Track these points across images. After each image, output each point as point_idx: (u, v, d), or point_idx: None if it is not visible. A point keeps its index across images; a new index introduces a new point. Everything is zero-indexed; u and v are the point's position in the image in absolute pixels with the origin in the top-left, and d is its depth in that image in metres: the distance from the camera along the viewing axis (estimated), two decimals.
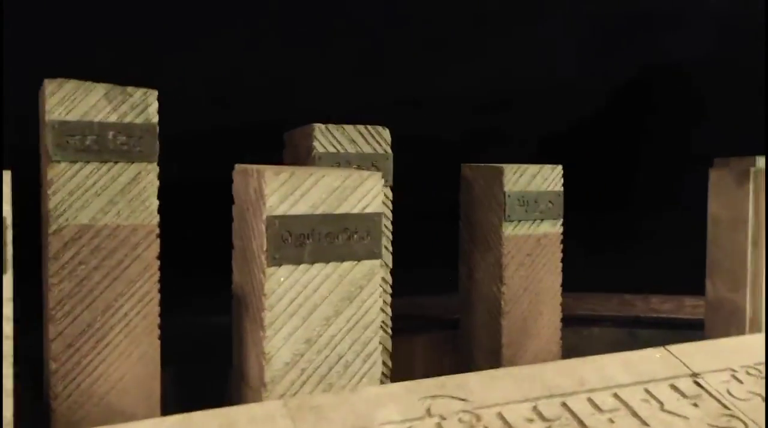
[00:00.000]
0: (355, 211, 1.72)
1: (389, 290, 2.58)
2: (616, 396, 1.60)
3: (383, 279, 2.56)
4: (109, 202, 2.05)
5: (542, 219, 2.83)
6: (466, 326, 3.06)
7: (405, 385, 1.49)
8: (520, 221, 2.78)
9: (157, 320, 2.12)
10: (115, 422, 2.11)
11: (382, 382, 2.63)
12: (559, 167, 2.86)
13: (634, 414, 1.55)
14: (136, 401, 2.10)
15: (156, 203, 2.11)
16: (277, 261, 1.64)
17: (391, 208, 2.58)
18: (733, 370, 1.80)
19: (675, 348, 1.85)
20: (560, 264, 2.91)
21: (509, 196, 2.74)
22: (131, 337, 2.10)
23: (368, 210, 1.74)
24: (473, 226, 2.95)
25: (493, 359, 2.88)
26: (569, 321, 3.41)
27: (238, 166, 1.85)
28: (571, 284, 3.36)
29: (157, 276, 2.11)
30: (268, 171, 1.63)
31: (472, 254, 2.97)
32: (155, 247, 2.11)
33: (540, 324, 2.90)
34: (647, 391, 1.64)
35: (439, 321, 3.28)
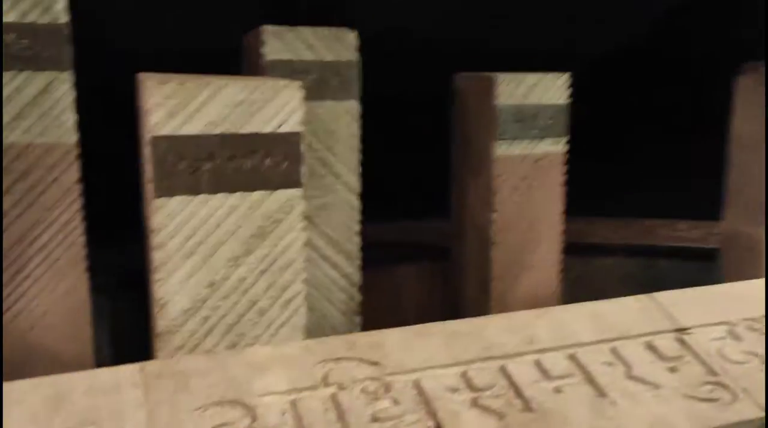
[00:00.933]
0: (267, 130, 1.42)
1: (357, 217, 2.30)
2: (572, 358, 1.30)
3: (350, 205, 2.28)
4: (16, 116, 1.79)
5: (542, 137, 2.47)
6: (457, 256, 2.78)
7: (305, 345, 1.23)
8: (515, 139, 2.43)
9: (83, 251, 1.90)
10: (41, 361, 1.96)
11: (351, 320, 2.41)
12: (565, 76, 2.45)
13: (590, 382, 1.25)
14: (62, 338, 1.92)
15: (73, 118, 1.83)
16: (166, 190, 1.37)
17: (359, 124, 2.25)
18: (732, 324, 1.47)
19: (663, 295, 1.53)
20: (562, 189, 2.56)
21: (502, 109, 2.38)
22: (54, 270, 1.88)
23: (284, 128, 1.43)
24: (465, 146, 2.61)
25: (484, 292, 2.61)
26: (577, 249, 3.07)
27: (139, 75, 1.55)
28: (584, 210, 3.01)
29: (79, 202, 1.87)
30: (151, 80, 1.33)
31: (463, 177, 2.65)
32: (74, 170, 1.85)
33: (537, 256, 2.60)
34: (614, 352, 1.33)
35: (429, 249, 3.00)
